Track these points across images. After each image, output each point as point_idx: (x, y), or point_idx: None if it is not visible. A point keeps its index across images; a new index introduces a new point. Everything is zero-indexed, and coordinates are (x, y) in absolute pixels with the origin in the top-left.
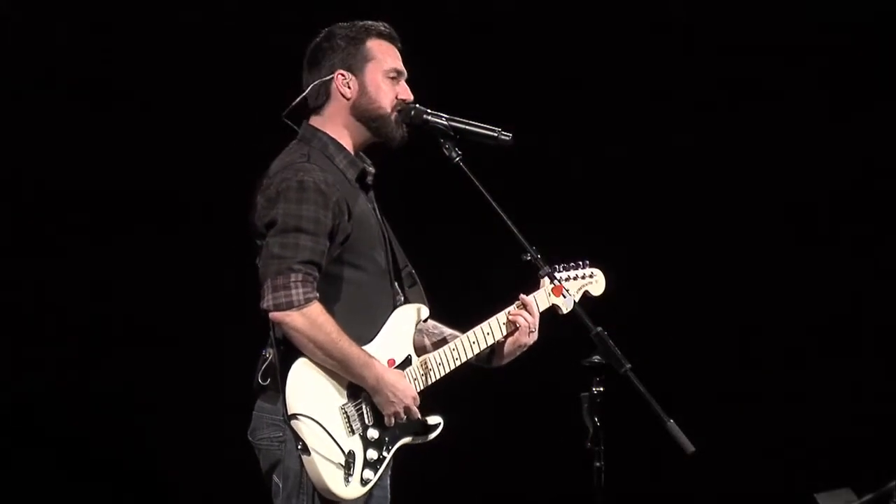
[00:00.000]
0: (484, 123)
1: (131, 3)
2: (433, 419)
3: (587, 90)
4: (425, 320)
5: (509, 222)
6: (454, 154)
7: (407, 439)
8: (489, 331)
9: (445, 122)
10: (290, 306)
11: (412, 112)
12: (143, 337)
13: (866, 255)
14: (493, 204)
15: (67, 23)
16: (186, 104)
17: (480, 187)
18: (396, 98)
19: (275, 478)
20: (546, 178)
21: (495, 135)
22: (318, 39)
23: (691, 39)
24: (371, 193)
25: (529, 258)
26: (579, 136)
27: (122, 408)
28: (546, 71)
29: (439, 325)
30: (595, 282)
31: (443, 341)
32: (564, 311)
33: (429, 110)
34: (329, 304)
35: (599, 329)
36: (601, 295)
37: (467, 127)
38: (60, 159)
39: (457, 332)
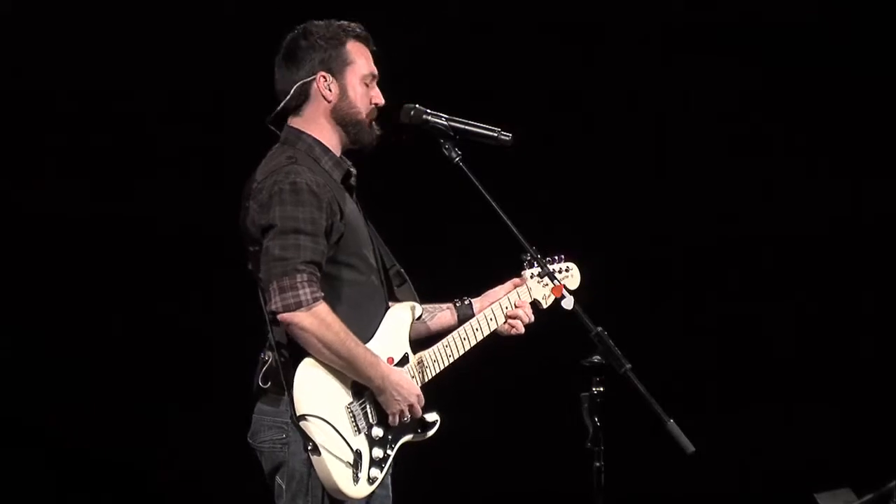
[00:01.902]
0: (484, 123)
1: (130, 3)
2: (431, 416)
3: (587, 90)
4: (418, 318)
5: (509, 222)
6: (454, 154)
7: (408, 437)
8: (478, 327)
9: (445, 122)
10: (298, 306)
11: (412, 112)
12: (143, 337)
13: (866, 253)
14: (493, 204)
15: (66, 22)
16: (180, 104)
17: (480, 187)
18: (371, 102)
19: (278, 479)
20: (546, 178)
21: (495, 135)
22: (293, 36)
23: (690, 39)
24: (355, 195)
25: (529, 257)
26: (578, 135)
27: (122, 408)
28: (546, 70)
29: (429, 307)
30: (571, 276)
31: (439, 331)
32: (545, 307)
33: (428, 110)
34: (327, 303)
35: (599, 329)
36: (576, 289)
37: (467, 127)
38: (60, 158)
39: (443, 305)
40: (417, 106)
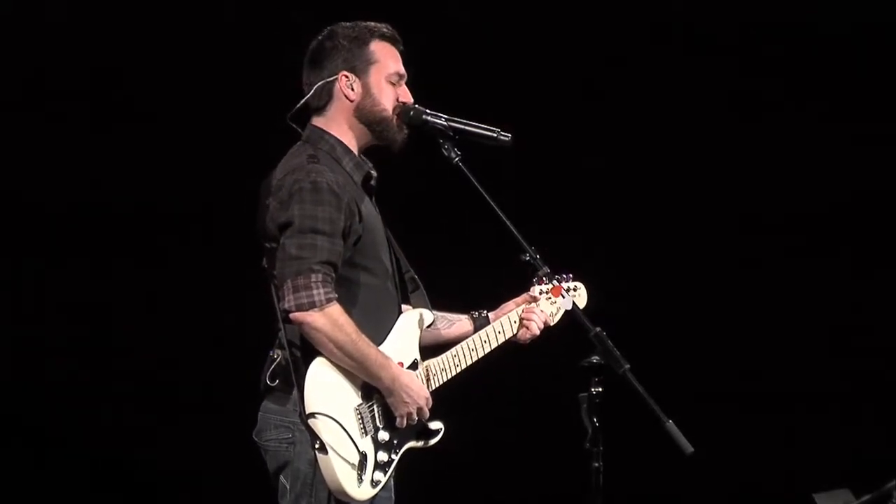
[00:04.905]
0: (483, 123)
1: (130, 4)
2: (434, 425)
3: (587, 91)
4: (429, 326)
5: (508, 223)
6: (454, 154)
7: (412, 443)
8: (486, 339)
9: (445, 123)
10: (311, 306)
11: (411, 112)
12: (144, 337)
13: (866, 252)
14: (493, 204)
15: (67, 23)
16: (187, 108)
17: (480, 188)
18: (397, 101)
19: (282, 479)
20: (546, 180)
21: (494, 135)
22: (320, 38)
23: (690, 42)
24: (373, 197)
25: (528, 259)
26: (578, 136)
27: (123, 408)
28: (547, 71)
29: (448, 315)
30: (578, 295)
31: (455, 339)
32: (552, 324)
33: (428, 111)
34: (341, 305)
35: (598, 329)
36: (583, 309)
37: (466, 127)
38: (60, 167)
39: (461, 316)
40: (417, 106)
